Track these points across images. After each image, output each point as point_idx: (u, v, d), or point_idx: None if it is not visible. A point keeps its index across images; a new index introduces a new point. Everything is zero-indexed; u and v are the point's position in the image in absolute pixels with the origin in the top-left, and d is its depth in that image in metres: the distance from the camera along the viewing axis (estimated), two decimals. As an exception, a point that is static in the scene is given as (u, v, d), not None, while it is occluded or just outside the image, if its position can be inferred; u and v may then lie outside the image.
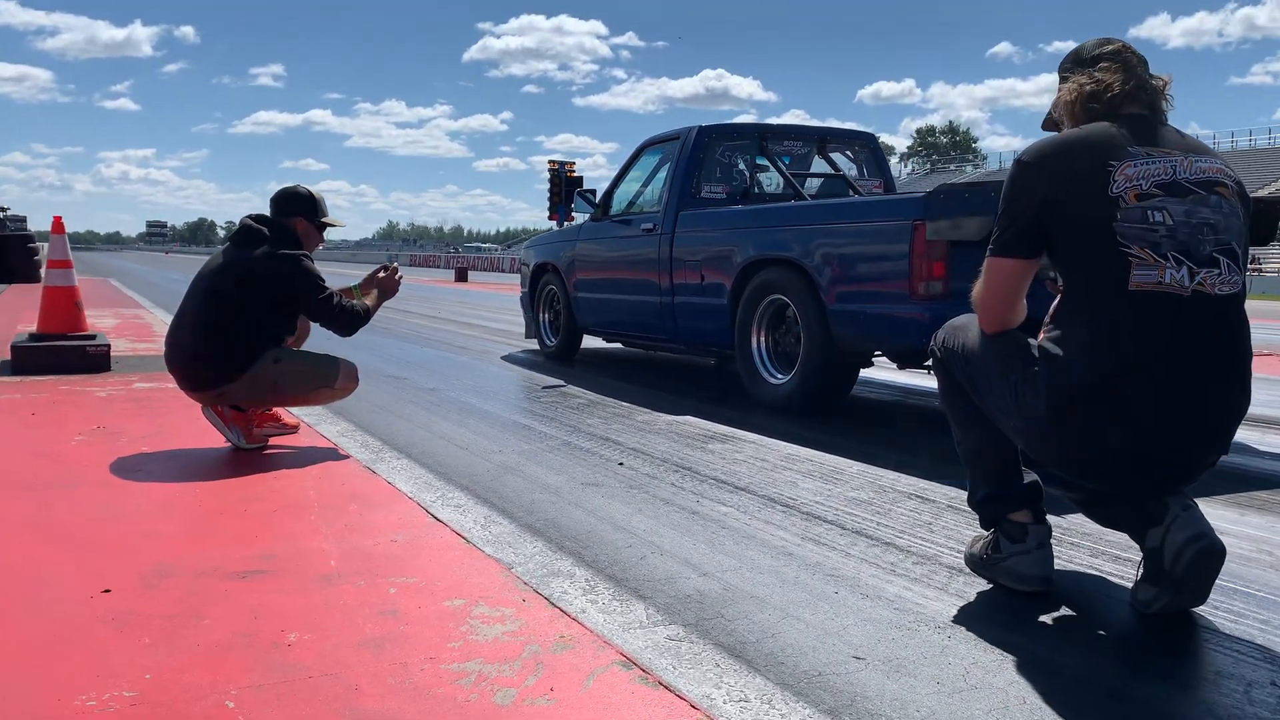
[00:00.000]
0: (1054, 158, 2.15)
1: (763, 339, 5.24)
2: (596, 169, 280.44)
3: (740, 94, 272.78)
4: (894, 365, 5.17)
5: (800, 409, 4.89)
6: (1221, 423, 2.13)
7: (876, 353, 4.94)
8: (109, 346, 6.09)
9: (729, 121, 6.62)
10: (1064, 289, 2.18)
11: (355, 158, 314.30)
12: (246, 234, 3.86)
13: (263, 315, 3.80)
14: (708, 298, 5.60)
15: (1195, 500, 2.15)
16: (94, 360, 5.95)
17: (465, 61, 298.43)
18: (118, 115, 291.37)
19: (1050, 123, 2.38)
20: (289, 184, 4.13)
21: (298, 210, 4.00)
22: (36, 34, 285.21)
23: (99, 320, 9.38)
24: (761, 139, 6.40)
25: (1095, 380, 2.05)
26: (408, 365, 7.00)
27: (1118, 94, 2.19)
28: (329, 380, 3.91)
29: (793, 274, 4.92)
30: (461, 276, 25.71)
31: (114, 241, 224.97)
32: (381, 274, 4.19)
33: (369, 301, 4.05)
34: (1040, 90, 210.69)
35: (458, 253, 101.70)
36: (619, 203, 6.84)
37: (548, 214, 20.95)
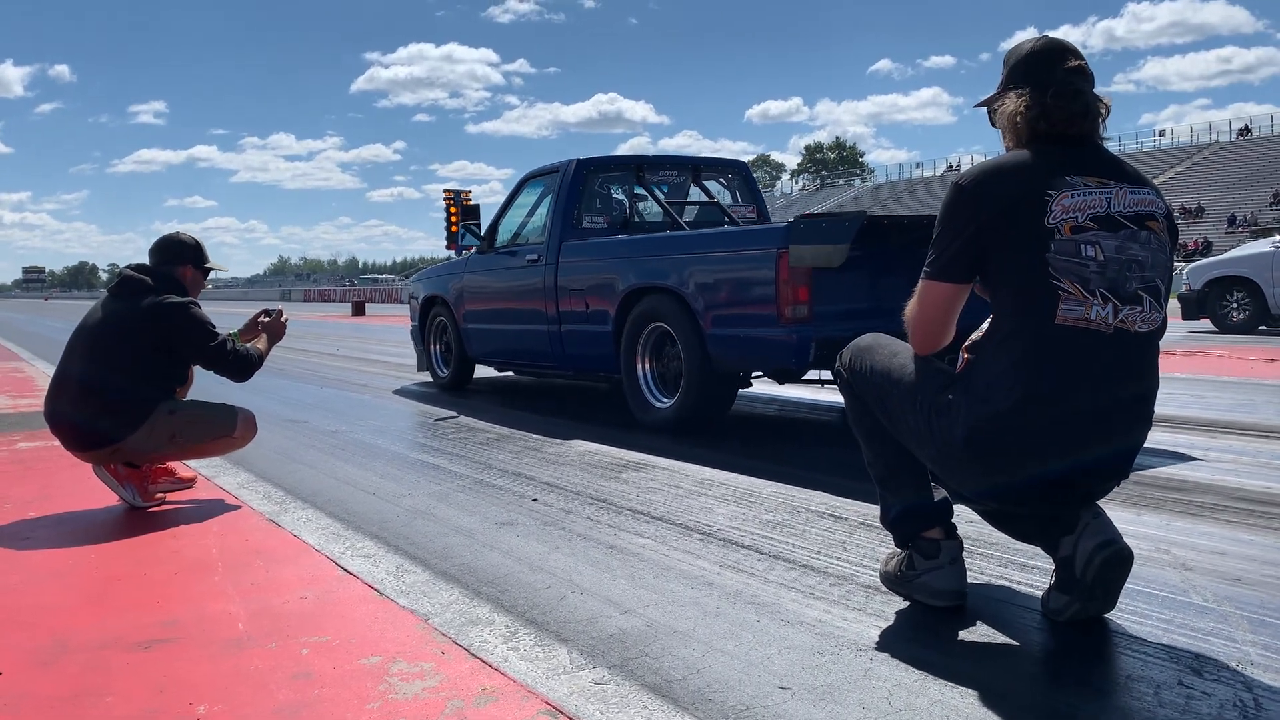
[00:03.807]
0: (992, 184, 2.16)
1: (647, 364, 5.44)
2: (493, 195, 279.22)
3: (633, 117, 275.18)
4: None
5: (684, 430, 5.07)
6: (1129, 452, 2.22)
7: (757, 373, 5.13)
8: (-13, 405, 5.79)
9: (606, 154, 7.01)
10: (991, 318, 2.22)
11: (243, 193, 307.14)
12: (128, 284, 3.71)
13: (153, 366, 3.66)
14: (593, 325, 5.75)
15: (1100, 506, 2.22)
16: (-29, 420, 5.65)
17: (354, 92, 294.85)
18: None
19: (989, 112, 2.36)
20: (168, 232, 4.00)
21: (184, 258, 3.88)
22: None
23: (-26, 376, 8.94)
24: (638, 170, 6.61)
25: (1013, 412, 2.09)
26: (307, 407, 6.82)
27: (1066, 119, 2.19)
28: (227, 429, 3.78)
29: (671, 301, 5.12)
30: (359, 310, 25.26)
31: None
32: (264, 318, 4.06)
33: (260, 345, 3.93)
34: (922, 104, 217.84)
35: (354, 285, 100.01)
36: (504, 234, 6.96)
37: (445, 243, 20.78)
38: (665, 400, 5.31)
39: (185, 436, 3.68)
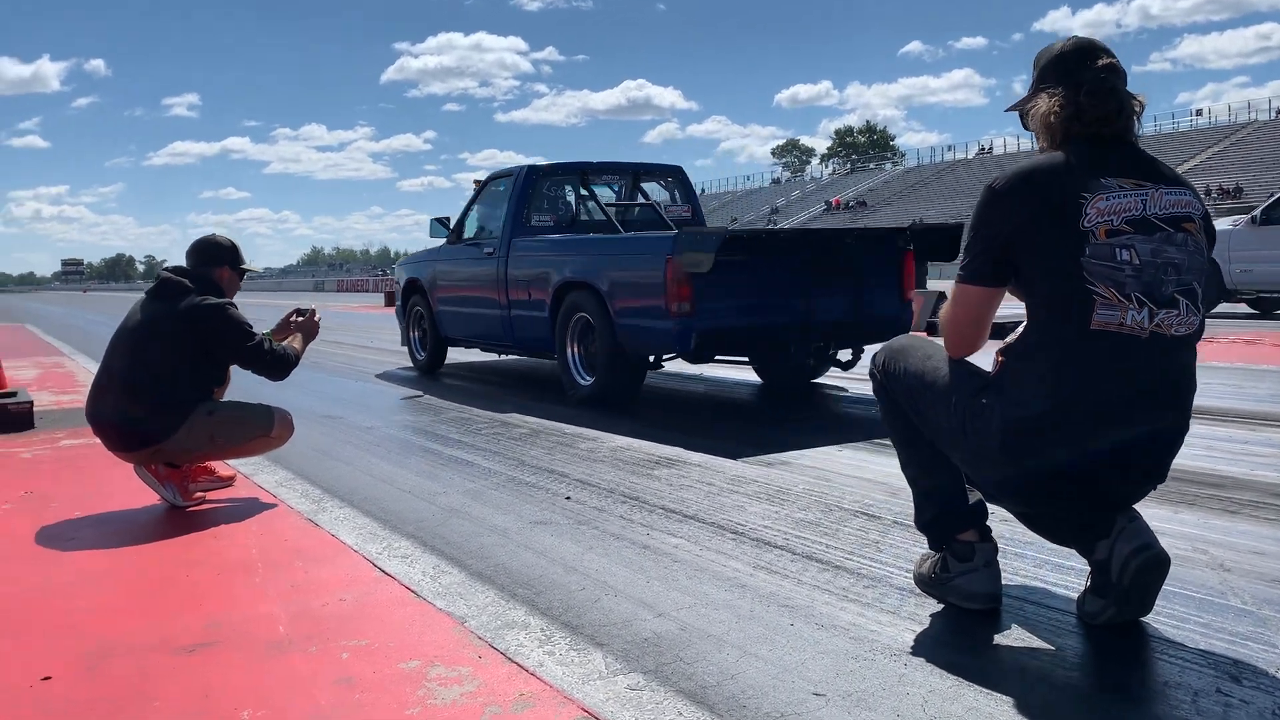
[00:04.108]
0: (1026, 187, 2.14)
1: (575, 348, 6.25)
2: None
3: (662, 103, 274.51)
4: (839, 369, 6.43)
5: (601, 404, 5.94)
6: (1166, 455, 2.20)
7: (668, 356, 5.94)
8: (31, 404, 5.90)
9: (554, 163, 7.64)
10: (1025, 321, 2.21)
11: (276, 184, 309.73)
12: (167, 287, 3.77)
13: (193, 368, 3.71)
14: (535, 312, 6.58)
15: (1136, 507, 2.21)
16: (16, 419, 5.76)
17: (384, 82, 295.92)
18: (27, 153, 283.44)
19: (1021, 115, 2.36)
20: (204, 234, 4.06)
21: (221, 260, 3.94)
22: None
23: (17, 372, 9.08)
24: (583, 175, 7.48)
25: (1049, 416, 2.08)
26: (342, 402, 6.89)
27: (1100, 117, 2.17)
28: (265, 429, 3.83)
29: (591, 295, 5.95)
30: (390, 301, 25.38)
31: (28, 282, 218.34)
32: (298, 318, 4.11)
33: (296, 345, 3.98)
34: (953, 86, 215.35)
35: (386, 275, 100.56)
36: (470, 229, 7.75)
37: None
38: (588, 379, 6.14)
39: (224, 437, 3.74)
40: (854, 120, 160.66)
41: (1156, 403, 2.12)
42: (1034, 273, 2.15)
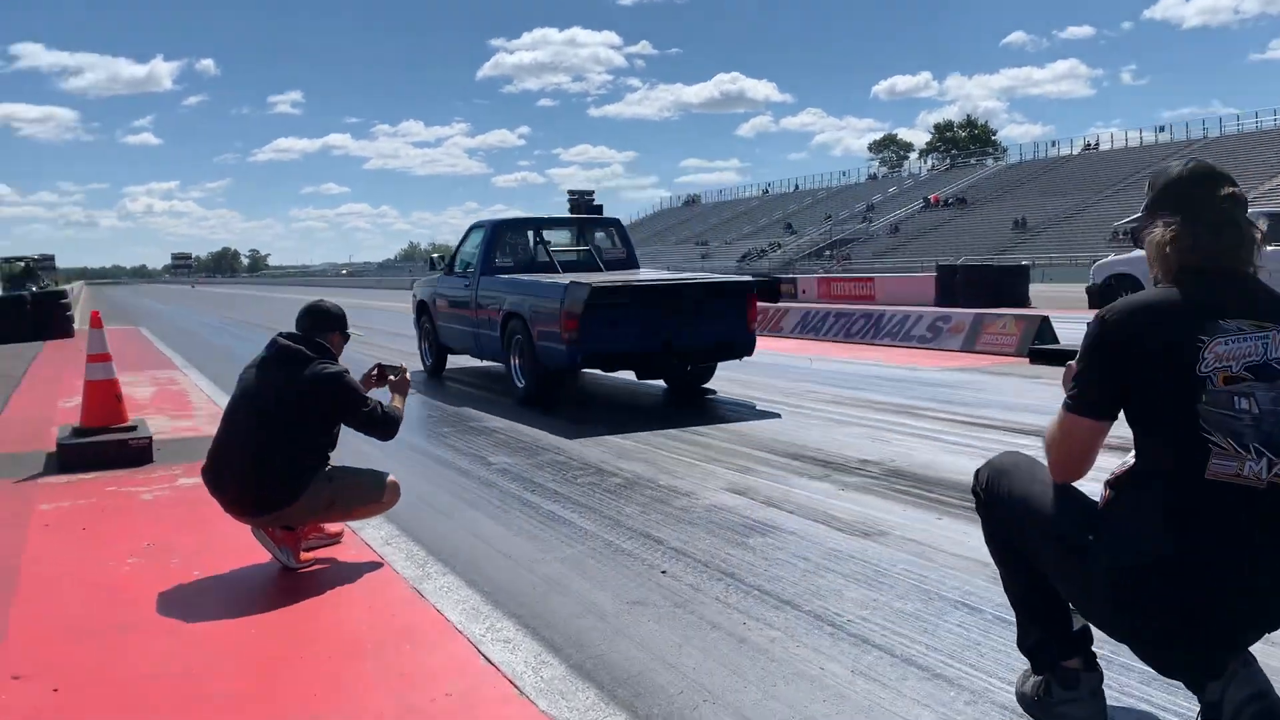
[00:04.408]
0: (1141, 324, 2.10)
1: (515, 359, 8.35)
2: (614, 178, 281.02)
3: (755, 96, 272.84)
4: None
5: (533, 403, 8.05)
6: None
7: (587, 369, 8.09)
8: (150, 440, 6.18)
9: (515, 217, 10.44)
10: (1136, 457, 2.18)
11: (375, 179, 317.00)
12: (286, 354, 3.93)
13: (313, 435, 3.88)
14: (492, 331, 8.80)
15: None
16: (136, 453, 6.06)
17: (480, 79, 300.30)
18: (141, 150, 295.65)
19: (1134, 236, 2.33)
20: (313, 300, 4.23)
21: (332, 327, 4.11)
22: (60, 74, 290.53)
23: (134, 388, 9.51)
24: (538, 229, 10.13)
25: (1159, 567, 2.04)
26: (439, 436, 7.06)
27: (1219, 250, 2.12)
28: (377, 495, 3.99)
29: (521, 323, 8.09)
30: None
31: (141, 275, 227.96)
32: (392, 377, 4.25)
33: (398, 404, 4.14)
34: (1057, 77, 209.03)
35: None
36: (460, 263, 10.07)
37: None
38: (523, 383, 8.24)
39: (341, 503, 3.91)
40: (954, 113, 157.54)
41: (1274, 552, 2.06)
42: (1145, 413, 2.12)
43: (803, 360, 11.49)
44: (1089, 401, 2.18)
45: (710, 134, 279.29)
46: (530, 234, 10.06)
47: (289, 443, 3.80)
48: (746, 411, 7.73)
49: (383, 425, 3.99)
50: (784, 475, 5.38)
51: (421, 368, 10.80)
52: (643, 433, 6.82)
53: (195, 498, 5.05)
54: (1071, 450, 2.23)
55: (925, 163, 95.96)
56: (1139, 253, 9.57)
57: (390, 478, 4.02)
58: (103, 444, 6.03)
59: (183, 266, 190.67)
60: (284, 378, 3.87)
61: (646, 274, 9.21)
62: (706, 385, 8.80)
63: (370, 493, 3.98)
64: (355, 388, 3.95)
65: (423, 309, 10.81)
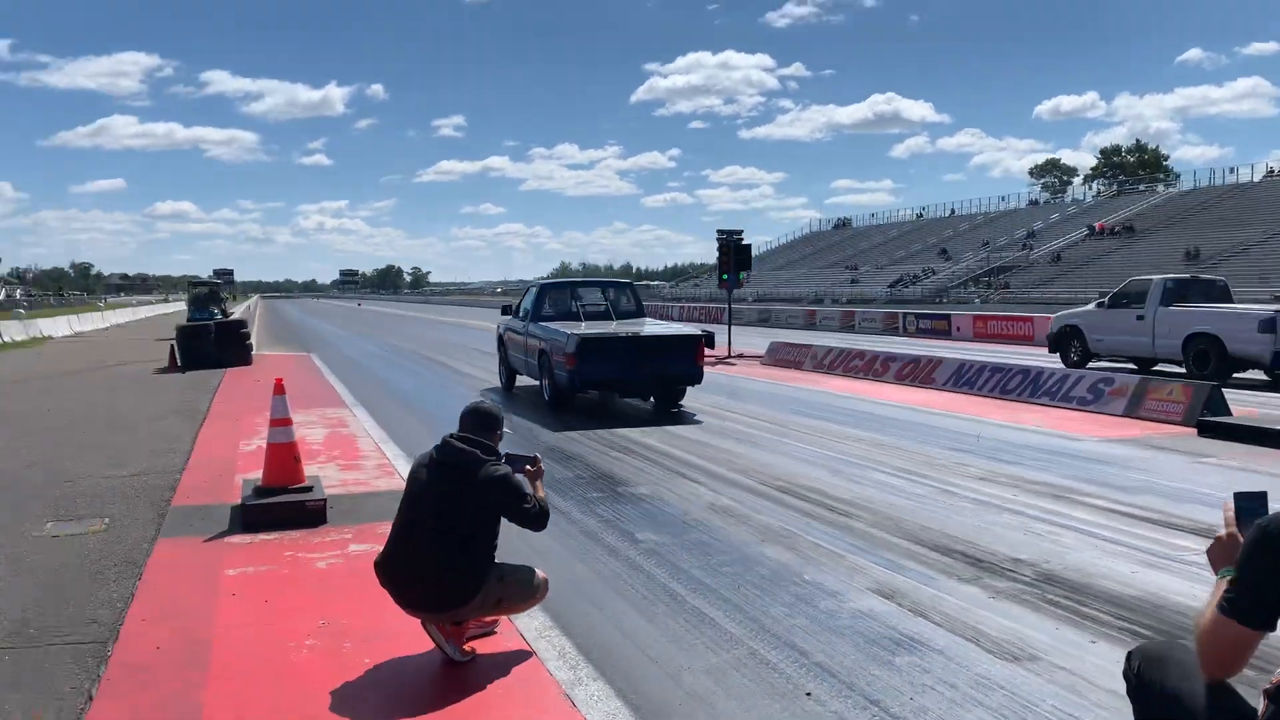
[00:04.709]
0: None
1: (544, 380, 12.62)
2: (763, 199, 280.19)
3: (911, 117, 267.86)
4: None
5: (554, 408, 12.32)
6: None
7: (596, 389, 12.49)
8: (324, 502, 6.61)
9: (558, 280, 15.86)
10: None
11: (530, 200, 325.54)
12: (460, 456, 4.17)
13: (486, 535, 4.13)
14: (533, 360, 13.14)
15: None
16: (311, 515, 6.49)
17: (634, 102, 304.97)
18: (314, 170, 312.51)
19: None
20: (475, 402, 4.46)
21: (495, 426, 4.35)
22: (244, 99, 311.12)
23: (306, 429, 10.13)
24: (574, 289, 14.38)
25: None
26: (587, 500, 7.26)
27: None
28: (536, 593, 4.27)
29: (547, 356, 12.30)
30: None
31: (310, 289, 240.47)
32: (529, 466, 4.42)
33: (540, 494, 4.33)
34: (1238, 96, 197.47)
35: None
36: (522, 310, 14.34)
37: (718, 283, 21.22)
38: (548, 395, 12.55)
39: (508, 600, 4.19)
40: (1122, 134, 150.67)
41: None
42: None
43: (954, 420, 11.27)
44: (1245, 608, 2.15)
45: (863, 155, 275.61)
46: (567, 292, 14.30)
47: (467, 545, 4.05)
48: (896, 487, 7.66)
49: (539, 520, 4.21)
50: (932, 575, 5.34)
51: (499, 383, 15.53)
52: (789, 513, 6.85)
53: (364, 568, 5.37)
54: (1222, 652, 2.21)
55: (1090, 188, 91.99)
56: (1090, 306, 16.43)
57: (541, 574, 4.27)
58: (282, 505, 6.49)
59: (349, 282, 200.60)
60: (462, 481, 4.12)
61: (632, 325, 12.89)
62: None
63: (530, 590, 4.23)
64: (521, 487, 4.19)
65: (500, 341, 15.47)
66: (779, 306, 46.24)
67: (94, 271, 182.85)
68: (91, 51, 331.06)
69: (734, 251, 20.31)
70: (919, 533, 6.25)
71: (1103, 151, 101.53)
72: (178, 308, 64.95)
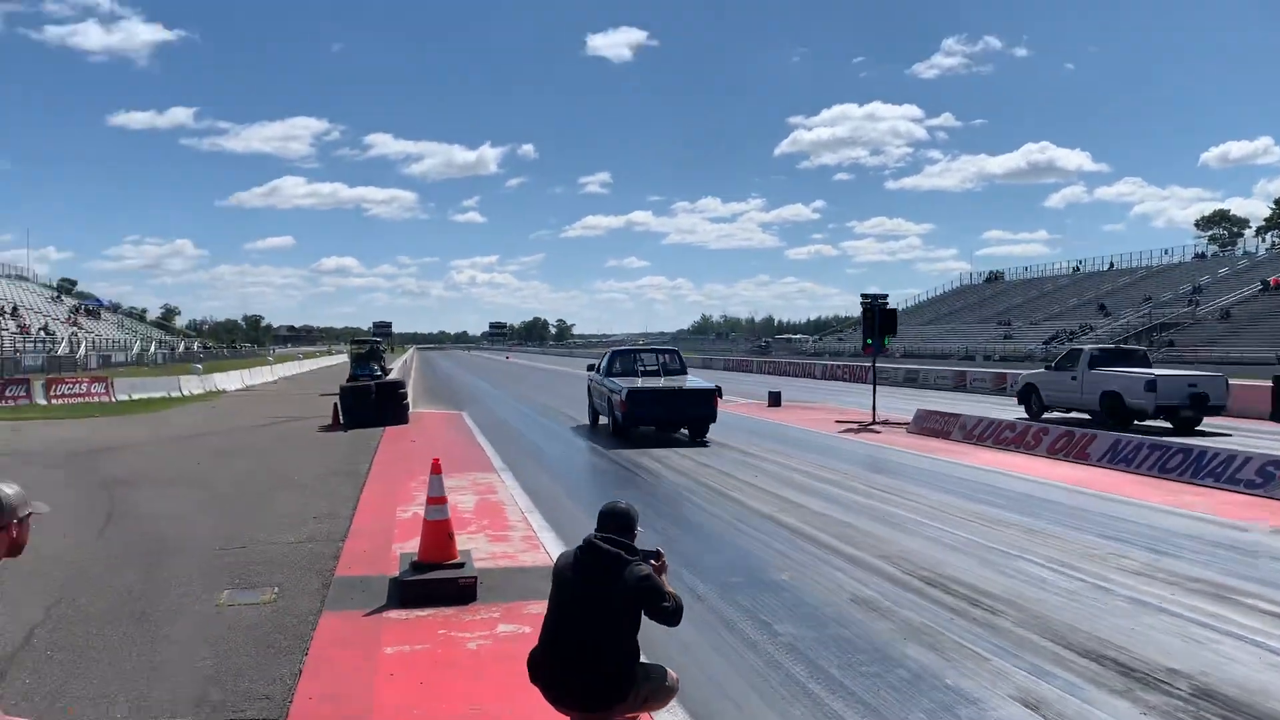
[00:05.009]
0: None
1: (609, 419, 18.33)
2: (910, 250, 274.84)
3: (1067, 166, 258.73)
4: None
5: (615, 436, 17.82)
6: None
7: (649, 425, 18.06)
8: (475, 579, 6.92)
9: (625, 348, 21.55)
10: None
11: (672, 253, 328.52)
12: (607, 558, 4.35)
13: (633, 634, 4.30)
14: (604, 404, 18.75)
15: None
16: (463, 591, 6.80)
17: (777, 155, 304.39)
18: (467, 227, 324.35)
19: None
20: (611, 502, 4.61)
21: (634, 526, 4.52)
22: (404, 161, 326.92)
23: (457, 494, 10.55)
24: (636, 354, 20.06)
25: None
26: (728, 586, 7.32)
27: None
28: (673, 692, 4.43)
29: (611, 401, 17.79)
30: (775, 401, 25.88)
31: (461, 340, 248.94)
32: (654, 561, 4.53)
33: (669, 589, 4.45)
34: None
35: (767, 348, 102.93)
36: (600, 368, 19.68)
37: (862, 346, 21.02)
38: (611, 428, 18.06)
39: (652, 699, 4.38)
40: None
41: None
42: None
43: (1111, 503, 10.86)
44: None
45: (1015, 205, 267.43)
46: (630, 356, 20.11)
47: (618, 646, 4.23)
48: (1047, 581, 7.46)
49: (676, 616, 4.35)
50: (1080, 684, 5.20)
51: (587, 421, 20.73)
52: (933, 607, 6.76)
53: (512, 652, 5.62)
54: None
55: (1264, 240, 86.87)
56: (1040, 370, 22.83)
57: (673, 674, 4.41)
58: (436, 581, 6.84)
59: (498, 334, 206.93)
60: (608, 583, 4.29)
61: (672, 381, 18.46)
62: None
63: (669, 690, 4.40)
64: (662, 586, 4.34)
65: (588, 390, 21.12)
66: (927, 366, 45.12)
67: (264, 323, 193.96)
68: (266, 117, 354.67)
69: (879, 316, 20.11)
70: (1068, 634, 6.08)
71: (1277, 201, 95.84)
72: (339, 360, 68.44)
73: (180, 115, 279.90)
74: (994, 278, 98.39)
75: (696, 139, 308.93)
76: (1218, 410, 18.82)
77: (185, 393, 32.10)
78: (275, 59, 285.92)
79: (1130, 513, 10.26)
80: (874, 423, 19.95)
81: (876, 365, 23.38)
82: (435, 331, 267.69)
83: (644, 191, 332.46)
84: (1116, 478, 12.67)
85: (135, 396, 29.96)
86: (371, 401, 20.44)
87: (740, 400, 29.08)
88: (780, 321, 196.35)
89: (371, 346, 29.97)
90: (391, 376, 25.13)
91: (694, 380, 18.48)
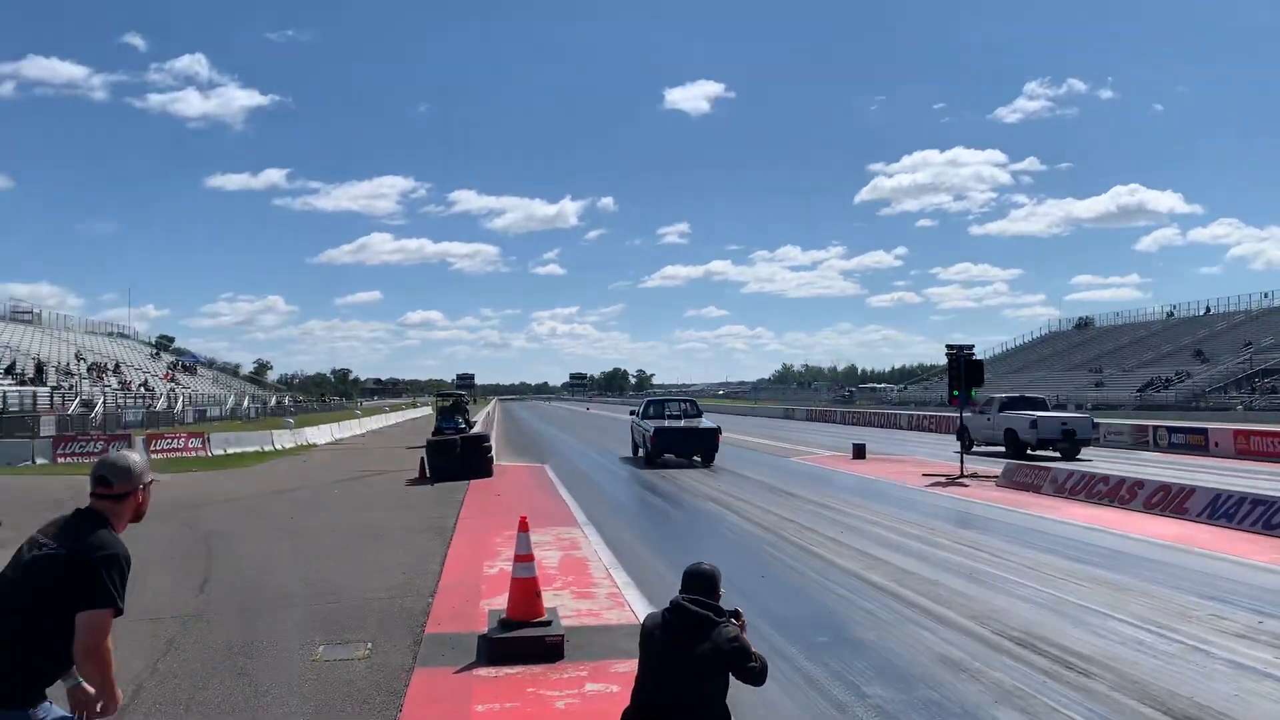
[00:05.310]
0: None
1: (641, 451, 25.93)
2: (997, 296, 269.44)
3: (1158, 208, 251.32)
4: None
5: (646, 464, 24.64)
6: None
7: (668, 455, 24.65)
8: (562, 638, 7.02)
9: (657, 397, 31.74)
10: None
11: (752, 302, 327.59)
12: (695, 620, 4.42)
13: (723, 697, 4.34)
14: (639, 439, 26.33)
15: None
16: (551, 650, 6.90)
17: (858, 203, 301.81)
18: (548, 279, 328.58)
19: None
20: (695, 564, 4.64)
21: (718, 587, 4.58)
22: (487, 215, 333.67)
23: (542, 549, 10.64)
24: (664, 402, 28.61)
25: None
26: (814, 646, 7.27)
27: None
28: None
29: (644, 436, 25.30)
30: (859, 453, 25.61)
31: (542, 391, 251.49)
32: (735, 621, 4.55)
33: (750, 645, 4.48)
34: None
35: (850, 396, 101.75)
36: (639, 413, 27.09)
37: (948, 398, 20.74)
38: (644, 458, 25.37)
39: None
40: None
41: None
42: None
43: (1210, 561, 10.52)
44: None
45: (1105, 249, 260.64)
46: (664, 402, 28.21)
47: (711, 708, 4.27)
48: (1143, 643, 7.27)
49: (761, 676, 4.37)
50: (1180, 753, 5.07)
51: (631, 454, 27.25)
52: (1024, 669, 6.64)
53: (600, 710, 5.71)
54: None
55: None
56: (969, 413, 26.47)
57: None
58: (523, 640, 6.96)
59: (578, 385, 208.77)
60: (697, 645, 4.35)
61: (689, 422, 25.18)
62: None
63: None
64: (748, 646, 4.38)
65: (631, 429, 28.10)
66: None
67: (351, 376, 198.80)
68: (355, 177, 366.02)
69: (964, 367, 19.86)
70: (1166, 699, 5.93)
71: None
72: (424, 412, 69.60)
73: (273, 176, 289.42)
74: (1084, 324, 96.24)
75: (775, 187, 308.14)
76: (1085, 443, 26.10)
77: (278, 447, 33.02)
78: (364, 120, 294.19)
79: (1231, 571, 9.94)
80: (961, 476, 19.61)
81: (965, 417, 23.18)
82: (516, 382, 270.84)
83: (723, 241, 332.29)
84: (1216, 534, 12.26)
85: (230, 451, 30.93)
86: (457, 455, 20.81)
87: (823, 452, 28.84)
88: (864, 370, 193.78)
89: (456, 400, 30.55)
90: (476, 430, 25.56)
91: (702, 420, 25.91)
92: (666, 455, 24.33)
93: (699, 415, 26.50)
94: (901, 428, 45.42)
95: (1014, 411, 27.20)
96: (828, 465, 23.98)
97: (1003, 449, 26.43)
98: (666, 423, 25.15)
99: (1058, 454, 25.20)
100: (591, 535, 12.63)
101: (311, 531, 13.46)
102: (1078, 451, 25.66)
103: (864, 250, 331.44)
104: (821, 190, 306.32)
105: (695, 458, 24.53)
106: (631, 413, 29.78)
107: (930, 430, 41.71)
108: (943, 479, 19.45)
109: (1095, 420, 29.00)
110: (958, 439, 24.81)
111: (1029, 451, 25.37)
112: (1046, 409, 28.38)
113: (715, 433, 24.48)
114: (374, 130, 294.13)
